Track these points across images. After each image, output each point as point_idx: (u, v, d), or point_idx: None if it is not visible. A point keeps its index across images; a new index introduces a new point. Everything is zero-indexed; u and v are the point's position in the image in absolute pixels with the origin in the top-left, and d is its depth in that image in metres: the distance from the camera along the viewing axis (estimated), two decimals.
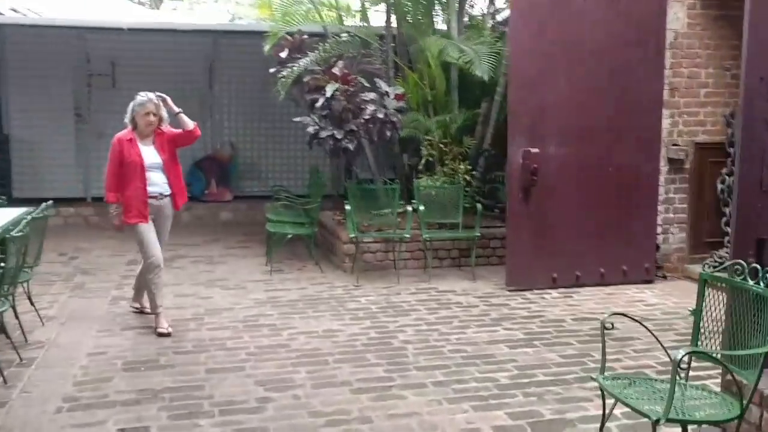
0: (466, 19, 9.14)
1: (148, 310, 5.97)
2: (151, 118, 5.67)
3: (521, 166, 6.83)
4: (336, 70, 7.50)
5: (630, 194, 7.30)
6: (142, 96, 5.70)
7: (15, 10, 11.08)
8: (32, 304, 5.84)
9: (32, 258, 5.60)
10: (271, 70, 8.39)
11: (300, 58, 8.15)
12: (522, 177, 6.84)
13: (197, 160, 11.32)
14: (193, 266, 8.09)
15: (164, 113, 5.77)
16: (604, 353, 3.74)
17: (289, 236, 7.82)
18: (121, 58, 11.09)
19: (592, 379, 3.67)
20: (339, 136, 7.34)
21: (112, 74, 11.09)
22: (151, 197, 5.72)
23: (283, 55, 8.21)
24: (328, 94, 7.26)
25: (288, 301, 6.66)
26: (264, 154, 11.69)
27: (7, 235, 4.50)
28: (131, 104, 5.73)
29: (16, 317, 5.36)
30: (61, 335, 5.63)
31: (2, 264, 4.56)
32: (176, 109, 5.82)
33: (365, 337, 5.68)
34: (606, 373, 3.74)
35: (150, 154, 5.74)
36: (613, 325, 3.72)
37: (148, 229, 5.72)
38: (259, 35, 9.52)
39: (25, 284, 5.65)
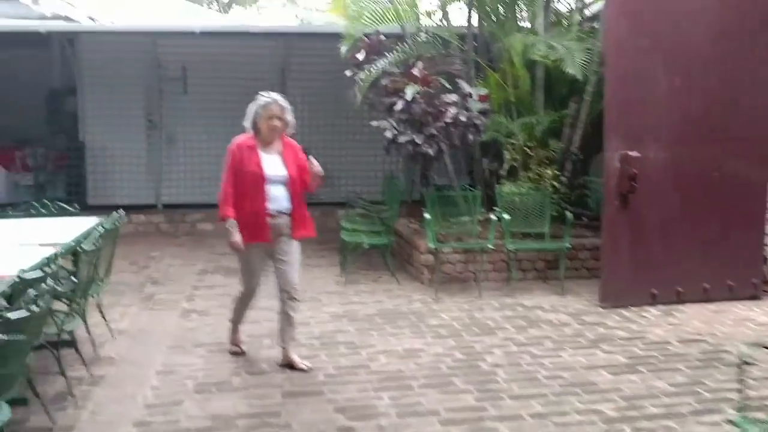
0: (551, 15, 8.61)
1: (301, 365, 5.01)
2: (276, 122, 4.85)
3: (619, 171, 6.28)
4: (416, 72, 7.09)
5: (737, 203, 6.68)
6: (266, 96, 4.89)
7: (92, 19, 11.10)
8: (103, 317, 5.62)
9: (104, 270, 5.37)
10: (347, 73, 8.05)
11: (377, 60, 7.79)
12: (620, 183, 6.29)
13: None
14: (266, 277, 7.78)
15: (290, 118, 4.95)
16: (743, 391, 3.20)
17: (366, 246, 7.44)
18: (193, 62, 10.98)
19: (732, 423, 3.14)
20: (419, 141, 6.93)
21: (183, 79, 10.98)
22: (269, 215, 4.86)
23: (360, 57, 7.85)
24: (408, 96, 6.86)
25: (365, 316, 6.28)
26: (336, 159, 11.37)
27: (79, 249, 4.25)
28: (252, 106, 4.91)
29: (87, 331, 5.13)
30: (131, 351, 5.38)
31: (74, 278, 4.32)
32: (319, 170, 4.87)
33: (450, 358, 5.25)
34: (733, 410, 3.21)
35: (273, 165, 4.85)
36: (751, 359, 3.18)
37: (254, 257, 4.96)
38: (333, 37, 9.23)
39: (95, 296, 5.43)
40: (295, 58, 11.16)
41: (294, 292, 5.05)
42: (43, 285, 3.21)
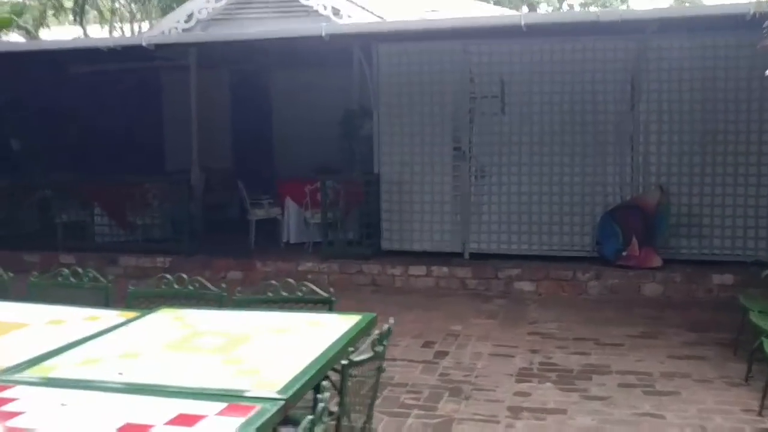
0: None
1: None
2: None
3: None
4: None
5: None
6: None
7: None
8: None
9: (359, 420, 2.95)
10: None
11: None
12: None
13: (611, 208, 8.14)
14: (625, 396, 4.85)
15: None
16: None
17: None
18: (513, 73, 8.51)
19: None
20: None
21: (501, 96, 8.53)
22: None
23: None
24: None
25: None
26: (708, 200, 8.04)
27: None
28: None
29: None
30: None
31: None
32: None
33: None
34: None
35: None
36: None
37: None
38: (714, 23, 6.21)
39: None
40: (650, 63, 8.11)
41: None
42: None
